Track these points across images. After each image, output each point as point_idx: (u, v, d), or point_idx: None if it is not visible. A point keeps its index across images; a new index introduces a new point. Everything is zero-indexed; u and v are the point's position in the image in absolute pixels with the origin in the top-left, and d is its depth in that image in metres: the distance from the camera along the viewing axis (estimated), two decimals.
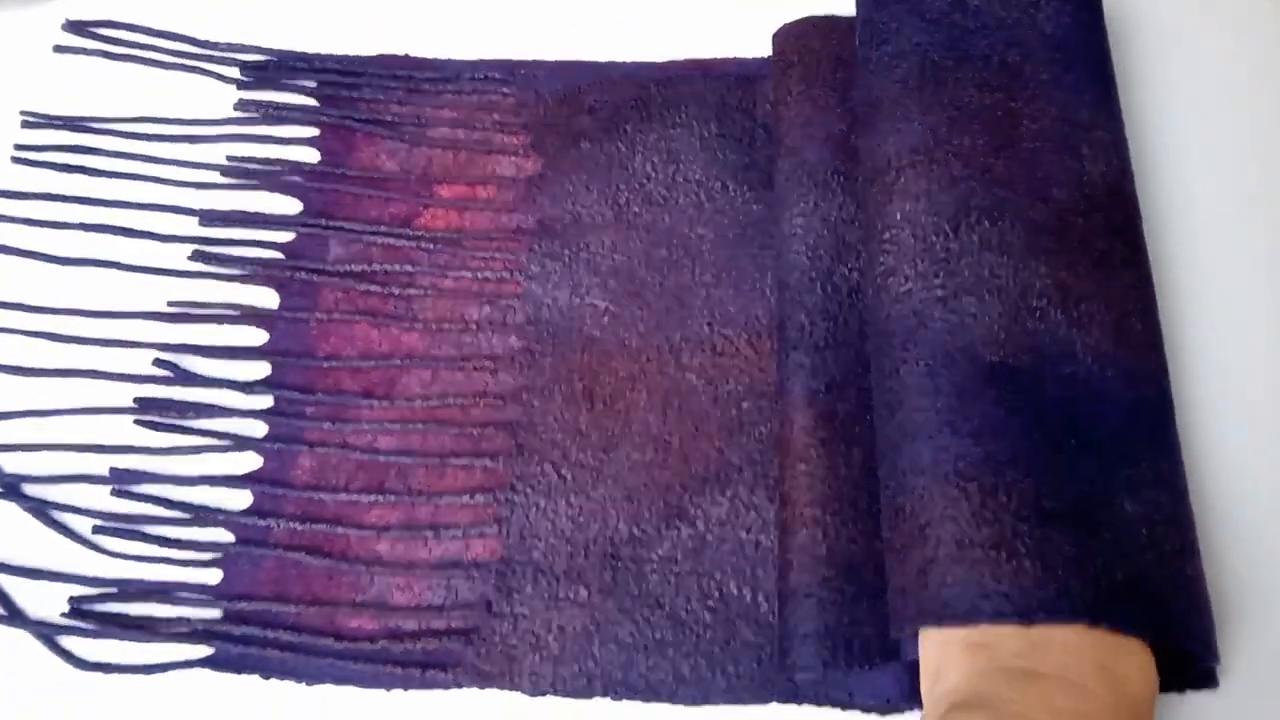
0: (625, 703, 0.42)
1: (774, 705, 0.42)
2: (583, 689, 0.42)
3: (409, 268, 0.52)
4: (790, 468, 0.43)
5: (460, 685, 0.43)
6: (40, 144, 0.55)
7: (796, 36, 0.53)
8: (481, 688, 0.42)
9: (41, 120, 0.56)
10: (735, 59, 0.56)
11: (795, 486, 0.42)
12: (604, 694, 0.42)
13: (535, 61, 0.57)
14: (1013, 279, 0.41)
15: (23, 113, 0.56)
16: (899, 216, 0.43)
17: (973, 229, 0.42)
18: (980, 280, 0.41)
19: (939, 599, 0.36)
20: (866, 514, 0.41)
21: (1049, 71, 0.47)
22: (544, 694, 0.42)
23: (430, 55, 0.57)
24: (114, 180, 0.54)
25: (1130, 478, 0.38)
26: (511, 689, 0.42)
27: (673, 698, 0.42)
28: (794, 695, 0.42)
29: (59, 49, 0.58)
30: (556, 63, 0.57)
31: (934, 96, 0.46)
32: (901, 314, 0.42)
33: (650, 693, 0.42)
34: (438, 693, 0.43)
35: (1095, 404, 0.39)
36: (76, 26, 0.58)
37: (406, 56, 0.57)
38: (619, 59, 0.57)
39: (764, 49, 0.55)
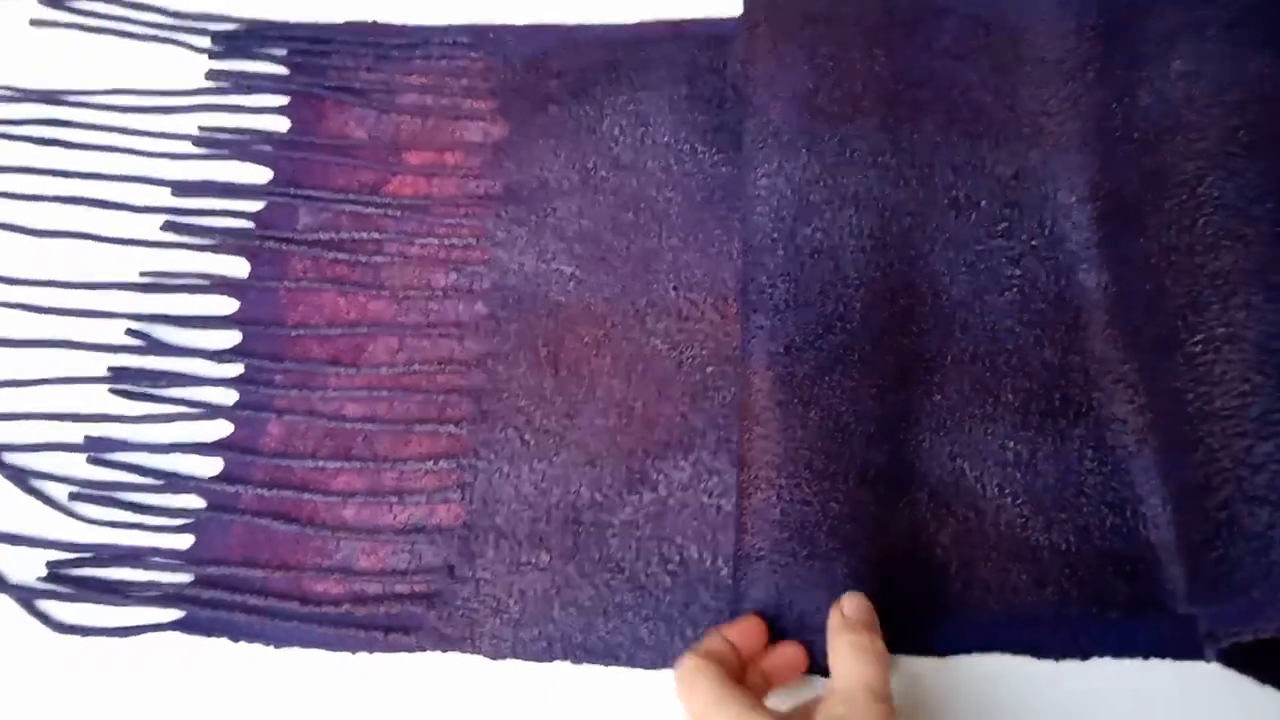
0: (585, 666, 0.43)
1: None
2: (542, 652, 0.43)
3: (376, 235, 0.52)
4: (748, 431, 0.43)
5: (423, 648, 0.43)
6: (17, 118, 0.56)
7: None
8: (443, 651, 0.43)
9: (18, 94, 0.56)
10: (706, 19, 0.55)
11: (752, 449, 0.42)
12: (563, 657, 0.43)
13: (504, 26, 0.56)
14: None
15: (1, 87, 0.56)
16: None
17: None
18: None
19: None
20: (823, 476, 0.41)
21: None
22: (504, 657, 0.43)
23: (399, 21, 0.57)
24: (89, 152, 0.55)
25: None
26: (473, 652, 0.43)
27: (631, 661, 0.42)
28: None
29: (35, 22, 0.58)
30: (525, 27, 0.56)
31: None
32: None
33: (609, 656, 0.43)
34: (402, 656, 0.44)
35: None
36: (53, 0, 0.59)
37: (375, 23, 0.57)
38: (588, 22, 0.56)
39: (736, 9, 0.55)
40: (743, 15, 0.53)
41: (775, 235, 0.46)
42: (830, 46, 0.49)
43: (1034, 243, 0.47)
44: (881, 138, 0.48)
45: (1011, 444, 0.44)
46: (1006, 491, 0.43)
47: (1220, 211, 0.40)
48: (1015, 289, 0.46)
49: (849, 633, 0.37)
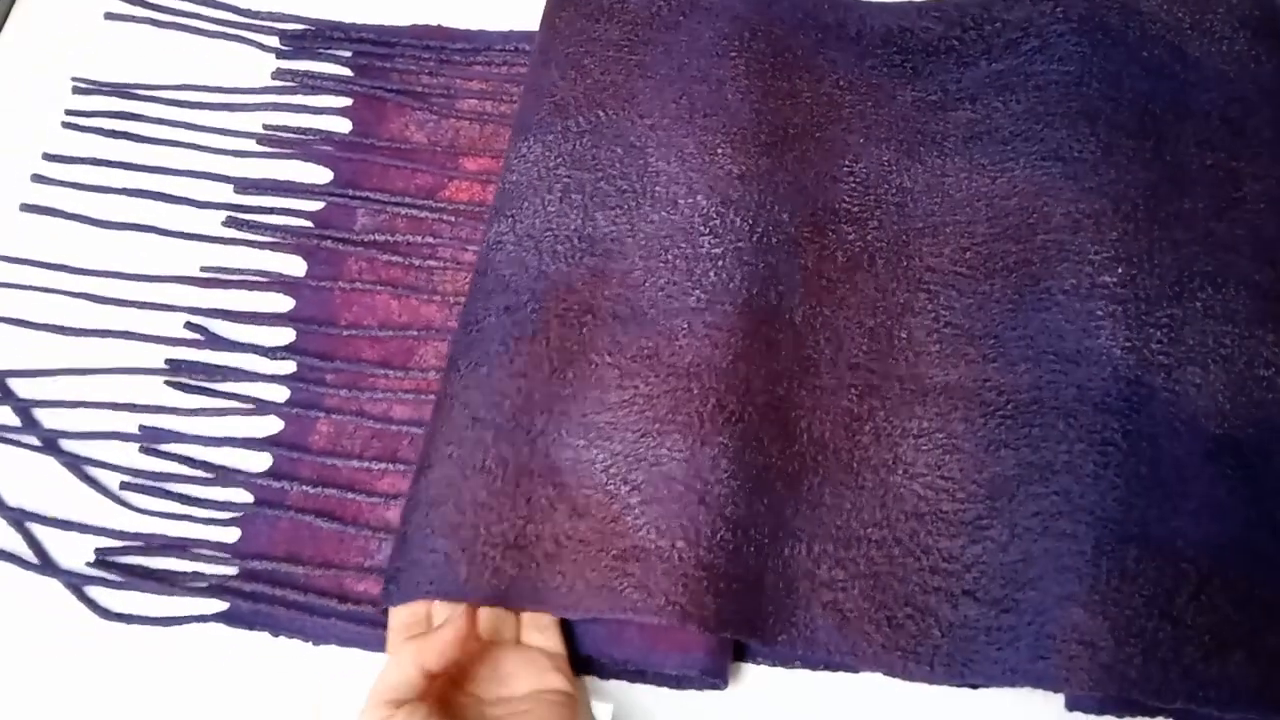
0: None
1: None
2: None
3: (431, 240, 0.52)
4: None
5: None
6: (89, 110, 0.57)
7: None
8: None
9: (91, 87, 0.58)
10: None
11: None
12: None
13: None
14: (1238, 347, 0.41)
15: (74, 79, 0.58)
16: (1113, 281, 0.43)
17: (1195, 295, 0.42)
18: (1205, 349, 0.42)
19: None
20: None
21: (1273, 129, 0.46)
22: None
23: (464, 26, 0.58)
24: (156, 146, 0.56)
25: None
26: None
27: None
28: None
29: (110, 16, 0.60)
30: None
31: (1154, 152, 0.45)
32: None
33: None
34: None
35: None
36: None
37: (440, 27, 0.58)
38: None
39: None
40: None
41: None
42: None
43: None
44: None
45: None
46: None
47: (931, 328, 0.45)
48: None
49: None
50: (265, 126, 0.56)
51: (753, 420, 0.43)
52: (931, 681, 0.41)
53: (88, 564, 0.47)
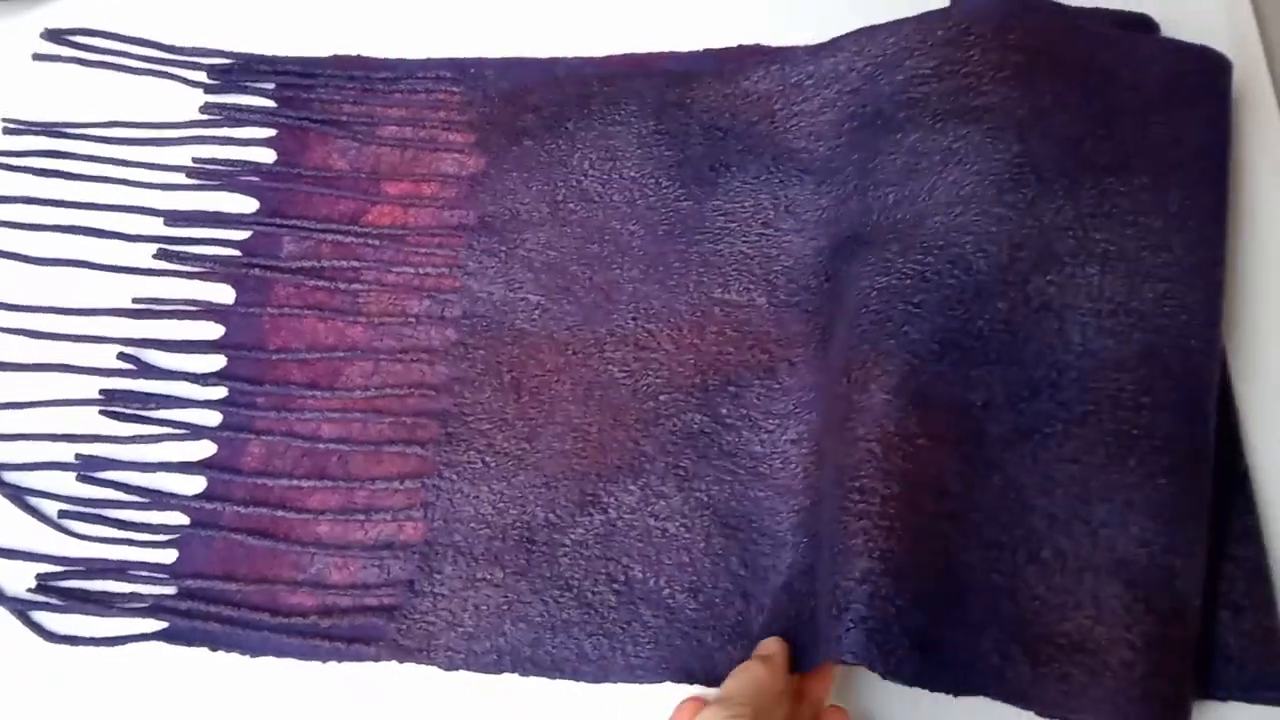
0: (531, 679, 0.45)
1: (668, 685, 0.44)
2: (492, 665, 0.45)
3: (355, 263, 0.55)
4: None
5: (383, 659, 0.46)
6: (21, 150, 0.59)
7: None
8: (401, 661, 0.46)
9: (22, 127, 0.60)
10: (672, 53, 0.58)
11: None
12: (512, 670, 0.45)
13: (483, 59, 0.59)
14: None
15: (4, 120, 0.60)
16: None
17: None
18: None
19: None
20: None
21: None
22: (457, 669, 0.45)
23: (384, 55, 0.60)
24: (88, 183, 0.58)
25: None
26: (428, 663, 0.46)
27: (575, 675, 0.45)
28: (688, 676, 0.44)
29: (38, 56, 0.62)
30: (503, 60, 0.59)
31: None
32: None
33: (555, 670, 0.45)
34: (368, 665, 0.46)
35: None
36: (54, 35, 0.62)
37: (360, 57, 0.60)
38: (564, 55, 0.58)
39: (702, 42, 0.57)
40: None
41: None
42: None
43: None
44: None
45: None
46: None
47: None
48: None
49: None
50: (193, 160, 0.58)
51: None
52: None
53: (29, 589, 0.49)
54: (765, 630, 0.44)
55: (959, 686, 0.40)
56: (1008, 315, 0.44)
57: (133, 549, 0.50)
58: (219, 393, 0.53)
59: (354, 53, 0.60)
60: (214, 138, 0.59)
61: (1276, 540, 0.44)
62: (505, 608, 0.46)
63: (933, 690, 0.40)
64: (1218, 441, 0.44)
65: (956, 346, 0.44)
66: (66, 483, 0.51)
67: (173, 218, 0.57)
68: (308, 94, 0.59)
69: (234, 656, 0.47)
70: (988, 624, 0.40)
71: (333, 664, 0.47)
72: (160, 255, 0.56)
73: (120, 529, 0.50)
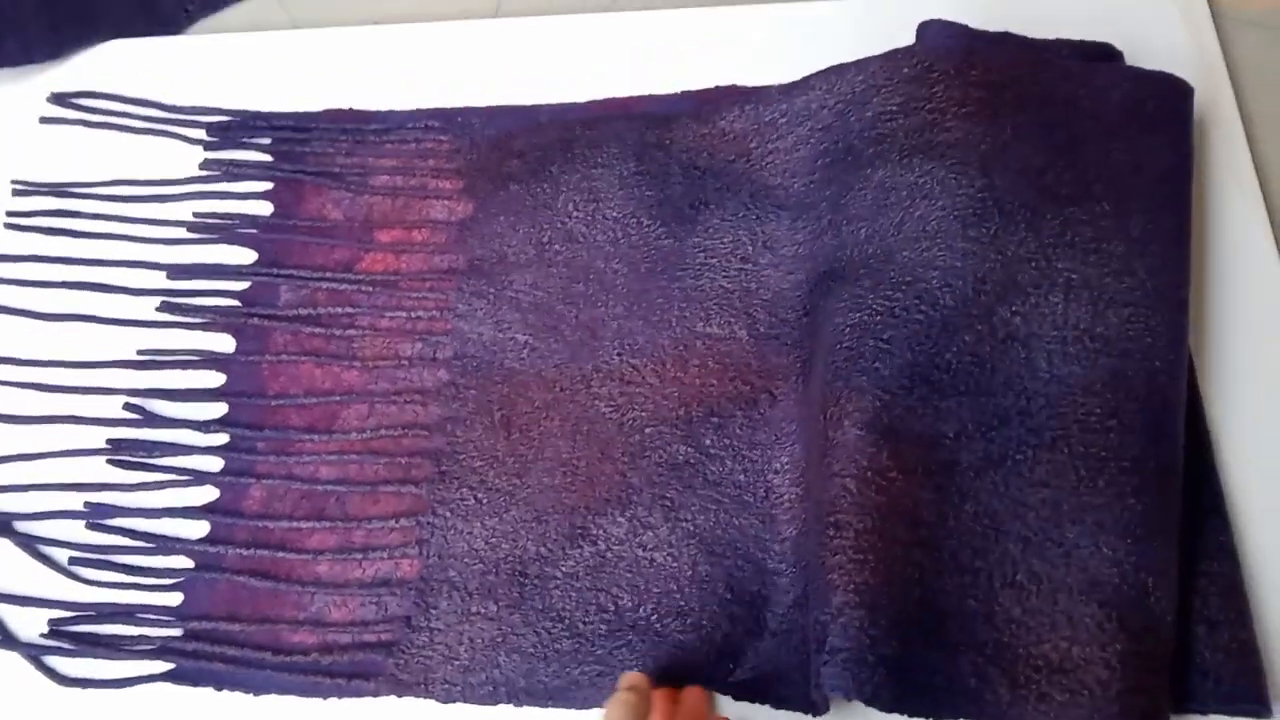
0: (526, 709, 0.47)
1: None
2: (487, 696, 0.47)
3: (350, 309, 0.56)
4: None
5: (382, 694, 0.47)
6: (29, 210, 0.61)
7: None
8: (399, 696, 0.47)
9: (30, 188, 0.62)
10: (652, 96, 0.60)
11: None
12: (507, 700, 0.46)
13: (470, 108, 0.61)
14: None
15: (14, 182, 0.62)
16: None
17: None
18: None
19: None
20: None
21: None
22: (454, 701, 0.47)
23: (375, 108, 0.62)
24: (93, 240, 0.60)
25: None
26: (426, 697, 0.47)
27: (569, 702, 0.46)
28: None
29: (44, 120, 0.64)
30: (488, 108, 0.61)
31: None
32: None
33: (548, 698, 0.46)
34: (367, 700, 0.48)
35: None
36: (59, 98, 0.64)
37: (352, 110, 0.62)
38: (547, 102, 0.60)
39: (679, 85, 0.59)
40: None
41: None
42: None
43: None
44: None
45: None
46: None
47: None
48: None
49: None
50: (194, 214, 0.60)
51: None
52: None
53: (41, 635, 0.50)
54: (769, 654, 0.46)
55: (939, 711, 0.41)
56: (974, 347, 0.45)
57: (140, 593, 0.51)
58: (221, 439, 0.54)
59: (346, 106, 0.62)
60: (213, 192, 0.61)
61: (1249, 556, 0.45)
62: (499, 640, 0.47)
63: (913, 716, 0.41)
64: (1189, 460, 0.45)
65: (926, 380, 0.45)
66: (76, 530, 0.53)
67: (175, 271, 0.59)
68: (303, 147, 0.61)
69: (239, 695, 0.49)
70: (965, 648, 0.42)
71: (334, 700, 0.48)
72: (163, 308, 0.58)
73: (128, 574, 0.52)
